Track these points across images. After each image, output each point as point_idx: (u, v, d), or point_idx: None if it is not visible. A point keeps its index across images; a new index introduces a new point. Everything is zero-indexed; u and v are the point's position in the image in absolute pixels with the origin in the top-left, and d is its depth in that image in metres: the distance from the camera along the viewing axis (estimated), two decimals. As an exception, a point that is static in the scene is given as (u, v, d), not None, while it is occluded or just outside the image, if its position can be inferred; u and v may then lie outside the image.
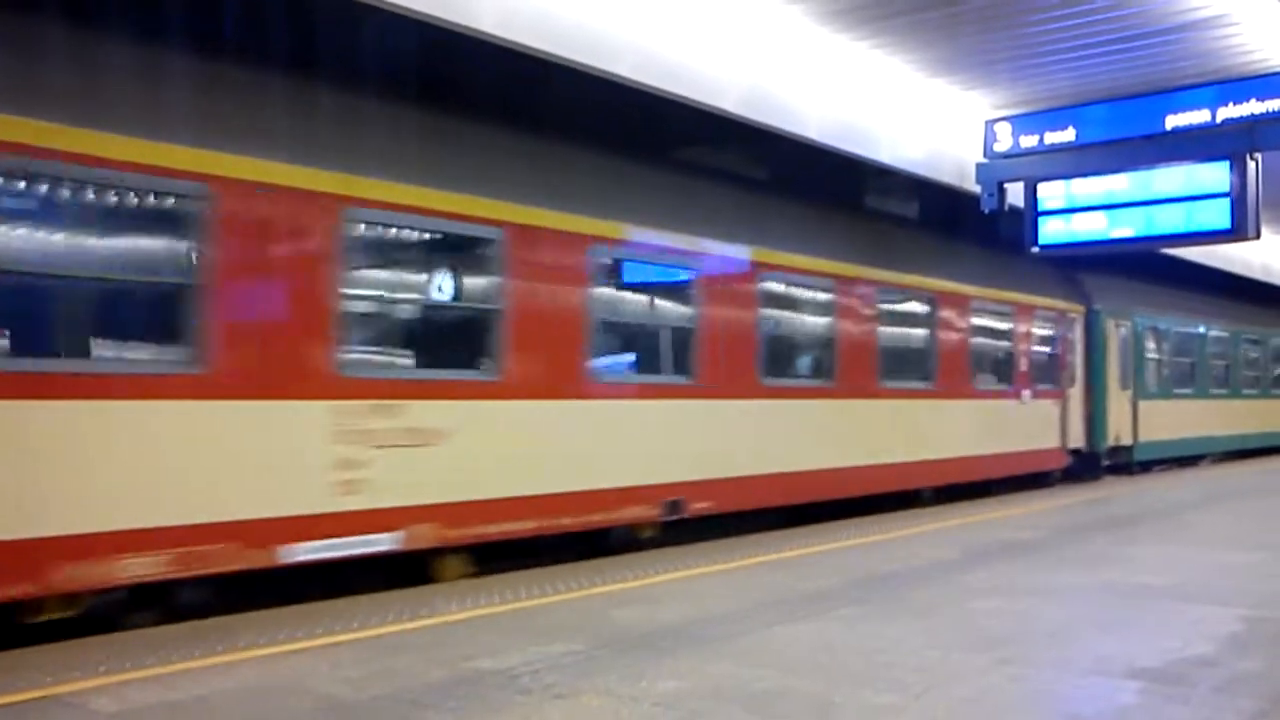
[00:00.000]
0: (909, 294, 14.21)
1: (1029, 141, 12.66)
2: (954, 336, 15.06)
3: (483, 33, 8.22)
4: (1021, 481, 16.77)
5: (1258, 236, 11.69)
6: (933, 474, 14.42)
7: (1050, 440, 17.54)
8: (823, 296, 12.69)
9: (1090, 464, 18.84)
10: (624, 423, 9.94)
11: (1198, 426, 22.49)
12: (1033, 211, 12.81)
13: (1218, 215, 11.58)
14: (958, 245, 16.23)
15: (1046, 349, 17.53)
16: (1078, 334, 18.66)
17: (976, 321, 15.61)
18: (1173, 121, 11.67)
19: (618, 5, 9.21)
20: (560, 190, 9.60)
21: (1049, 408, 17.50)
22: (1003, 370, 16.40)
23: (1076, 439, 18.36)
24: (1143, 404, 20.26)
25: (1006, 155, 12.83)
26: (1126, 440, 19.78)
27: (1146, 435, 20.33)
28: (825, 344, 12.77)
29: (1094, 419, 18.82)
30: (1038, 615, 7.05)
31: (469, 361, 8.82)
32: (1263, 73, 11.49)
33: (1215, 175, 11.55)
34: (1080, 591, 7.90)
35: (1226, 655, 5.91)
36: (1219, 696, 5.11)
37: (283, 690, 5.24)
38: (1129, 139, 12.00)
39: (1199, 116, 11.52)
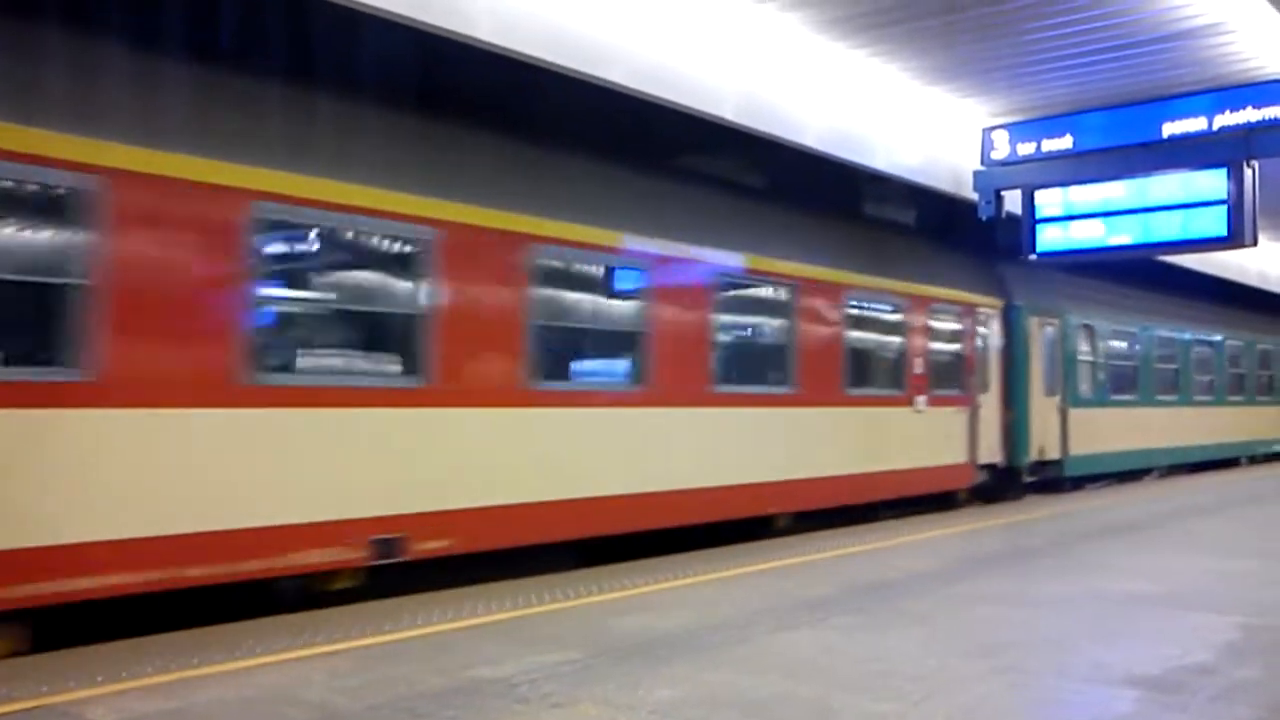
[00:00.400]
0: (759, 279, 11.86)
1: (1026, 149, 12.70)
2: (822, 332, 12.58)
3: (479, 40, 8.23)
4: (922, 503, 14.35)
5: (1255, 243, 11.73)
6: (791, 496, 12.01)
7: (954, 454, 14.91)
8: (631, 280, 10.39)
9: (1011, 481, 16.38)
10: (306, 438, 7.61)
11: (1140, 438, 19.91)
12: (1030, 219, 12.84)
13: (1215, 222, 11.61)
14: (835, 225, 13.78)
15: (950, 348, 15.03)
16: (993, 333, 16.17)
17: (854, 314, 13.15)
18: (1170, 129, 11.71)
19: (616, 14, 9.24)
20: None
21: (953, 417, 14.89)
22: (891, 373, 13.91)
23: (991, 453, 15.77)
24: (1074, 413, 17.71)
25: (1004, 163, 12.86)
26: (1054, 454, 17.23)
27: (1079, 448, 17.75)
28: (635, 339, 10.29)
29: (1014, 430, 16.30)
30: (1035, 623, 7.04)
31: (30, 357, 6.49)
32: (1259, 80, 11.52)
33: (1212, 182, 11.59)
34: (1077, 599, 7.90)
35: (1224, 663, 5.91)
36: (1216, 705, 5.11)
37: (280, 699, 5.23)
38: (1126, 146, 12.05)
39: (1196, 124, 11.56)
